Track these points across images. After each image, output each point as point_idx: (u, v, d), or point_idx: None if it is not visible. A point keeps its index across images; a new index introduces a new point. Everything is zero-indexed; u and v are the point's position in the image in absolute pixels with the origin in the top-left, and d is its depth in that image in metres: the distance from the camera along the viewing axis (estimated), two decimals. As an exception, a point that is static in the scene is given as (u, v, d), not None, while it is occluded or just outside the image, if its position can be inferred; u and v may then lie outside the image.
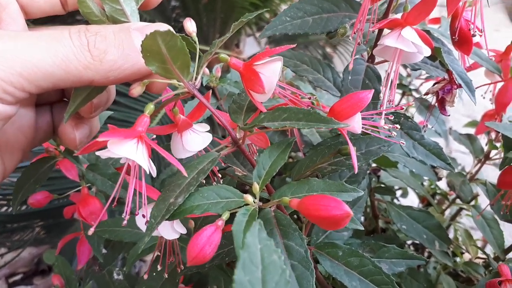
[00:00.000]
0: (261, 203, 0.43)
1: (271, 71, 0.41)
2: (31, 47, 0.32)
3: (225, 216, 0.41)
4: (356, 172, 0.43)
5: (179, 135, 0.46)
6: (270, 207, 0.43)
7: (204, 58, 0.41)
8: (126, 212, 0.38)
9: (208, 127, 0.48)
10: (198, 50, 0.41)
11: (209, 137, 0.47)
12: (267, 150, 0.46)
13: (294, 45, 0.45)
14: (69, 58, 0.33)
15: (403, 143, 0.47)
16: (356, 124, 0.43)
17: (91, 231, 0.41)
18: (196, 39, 0.42)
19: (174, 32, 0.32)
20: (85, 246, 0.73)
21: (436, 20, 0.87)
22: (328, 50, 2.49)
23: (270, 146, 0.47)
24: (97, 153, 0.35)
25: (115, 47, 0.35)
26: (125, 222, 0.38)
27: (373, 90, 0.43)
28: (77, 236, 0.82)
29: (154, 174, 0.37)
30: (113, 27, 0.36)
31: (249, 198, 0.42)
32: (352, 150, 0.43)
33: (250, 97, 0.43)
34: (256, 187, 0.43)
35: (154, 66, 0.34)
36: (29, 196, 0.67)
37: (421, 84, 1.07)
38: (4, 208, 1.44)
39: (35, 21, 0.44)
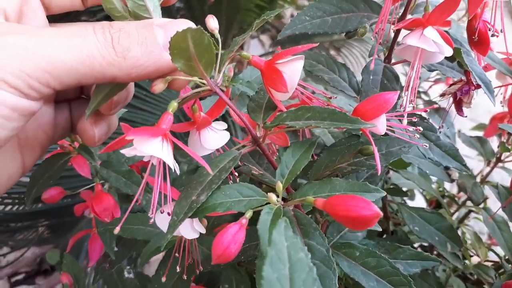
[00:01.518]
0: (283, 202, 0.43)
1: (293, 70, 0.41)
2: (55, 43, 0.32)
3: (248, 214, 0.40)
4: (379, 173, 0.43)
5: (197, 133, 0.46)
6: (289, 207, 0.43)
7: (226, 56, 0.41)
8: (152, 211, 0.38)
9: (225, 125, 0.48)
10: (220, 48, 0.41)
11: (227, 135, 0.46)
12: (290, 149, 0.46)
13: (316, 44, 0.45)
14: (93, 54, 0.33)
15: (426, 146, 0.47)
16: (380, 125, 0.43)
17: (117, 230, 0.41)
18: (218, 36, 0.42)
19: (202, 30, 0.32)
20: (97, 243, 0.73)
21: (446, 23, 0.87)
22: (332, 52, 2.50)
23: (293, 145, 0.47)
24: (123, 151, 0.35)
25: (138, 44, 0.34)
26: (151, 220, 0.38)
27: (398, 92, 0.43)
28: (83, 235, 0.82)
29: (178, 172, 0.36)
30: (136, 24, 0.35)
31: (273, 196, 0.42)
32: (376, 151, 0.43)
33: (270, 95, 0.43)
34: (279, 186, 0.43)
35: (180, 63, 0.34)
36: (43, 192, 0.67)
37: (430, 87, 1.07)
38: (9, 207, 1.44)
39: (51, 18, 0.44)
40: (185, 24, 0.36)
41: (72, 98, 0.46)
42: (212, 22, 0.43)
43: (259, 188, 0.43)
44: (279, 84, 0.41)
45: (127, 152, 0.35)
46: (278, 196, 0.42)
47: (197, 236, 0.46)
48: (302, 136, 0.65)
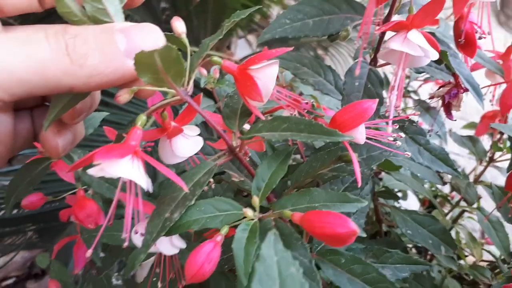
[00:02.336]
0: (261, 215, 0.41)
1: (268, 76, 0.38)
2: (3, 50, 0.30)
3: (224, 231, 0.39)
4: (359, 185, 0.41)
5: (168, 140, 0.44)
6: (270, 218, 0.41)
7: (195, 61, 0.38)
8: (126, 230, 0.37)
9: (198, 130, 0.46)
10: (189, 53, 0.39)
11: (200, 141, 0.45)
12: (266, 161, 0.44)
13: (291, 48, 0.42)
14: (46, 63, 0.30)
15: (408, 154, 0.45)
16: (359, 135, 0.41)
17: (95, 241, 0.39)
18: (186, 41, 0.39)
19: (171, 46, 0.30)
20: (82, 250, 0.72)
21: (434, 22, 0.86)
22: (320, 52, 2.48)
23: (269, 156, 0.45)
24: (89, 172, 0.33)
25: (97, 51, 0.32)
26: (126, 243, 0.36)
27: (377, 100, 0.41)
28: (72, 240, 0.81)
29: (151, 189, 0.34)
30: (94, 28, 0.33)
31: (248, 212, 0.40)
32: (355, 159, 0.41)
33: (245, 102, 0.41)
34: (255, 200, 0.41)
35: (146, 77, 0.32)
36: (23, 199, 0.65)
37: (419, 86, 1.06)
38: (-4, 212, 1.42)
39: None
40: (149, 28, 0.34)
41: (34, 106, 0.43)
42: (179, 26, 0.40)
43: (236, 202, 0.41)
44: (253, 92, 0.38)
45: (94, 173, 0.32)
46: (255, 210, 0.40)
47: (177, 252, 0.45)
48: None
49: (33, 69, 0.30)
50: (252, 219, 0.39)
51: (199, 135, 0.46)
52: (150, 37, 0.33)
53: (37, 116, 0.42)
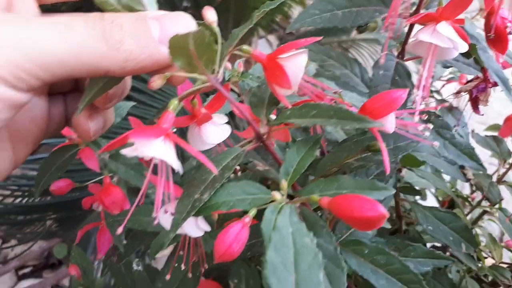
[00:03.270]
0: (288, 200, 0.41)
1: (297, 65, 0.39)
2: (46, 33, 0.31)
3: (252, 213, 0.39)
4: (387, 173, 0.41)
5: (197, 127, 0.45)
6: (295, 204, 0.42)
7: (225, 50, 0.39)
8: (156, 211, 0.38)
9: (226, 119, 0.47)
10: (220, 42, 0.39)
11: (228, 129, 0.45)
12: (295, 146, 0.44)
13: (320, 38, 0.43)
14: (84, 46, 0.31)
15: (436, 144, 0.45)
16: (389, 124, 0.42)
17: (120, 230, 0.40)
18: (217, 29, 0.40)
19: (204, 30, 0.31)
20: (106, 236, 0.73)
21: (460, 21, 0.85)
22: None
23: (297, 142, 0.45)
24: (123, 152, 0.34)
25: (131, 37, 0.33)
26: (156, 222, 0.38)
27: (407, 90, 0.41)
28: (93, 227, 0.82)
29: (181, 171, 0.35)
30: (129, 15, 0.34)
31: (277, 195, 0.40)
32: (383, 148, 0.41)
33: (273, 91, 0.42)
34: (284, 184, 0.42)
35: (180, 61, 0.33)
36: (51, 184, 0.67)
37: (442, 86, 1.05)
38: (18, 200, 1.45)
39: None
40: (182, 17, 0.35)
41: (67, 91, 0.44)
42: (210, 15, 0.40)
43: (263, 186, 0.41)
44: (282, 80, 0.39)
45: (128, 152, 0.33)
46: (283, 195, 0.41)
47: (202, 234, 0.45)
48: (313, 132, 0.64)
49: (73, 52, 0.31)
50: (281, 203, 0.40)
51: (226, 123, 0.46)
52: (183, 25, 0.34)
53: (70, 101, 0.44)
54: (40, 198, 1.37)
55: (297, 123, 0.40)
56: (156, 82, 0.36)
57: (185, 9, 2.16)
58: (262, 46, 2.82)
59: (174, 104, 0.37)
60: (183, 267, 0.51)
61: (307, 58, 0.40)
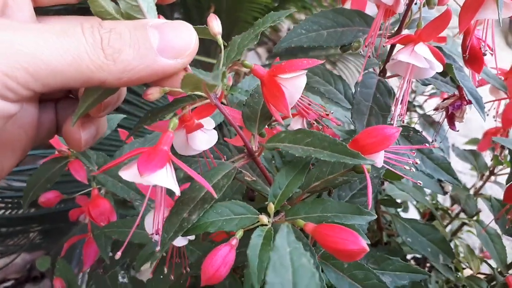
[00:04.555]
0: (274, 219, 0.43)
1: (295, 87, 0.40)
2: (40, 41, 0.29)
3: (239, 235, 0.41)
4: (369, 207, 0.42)
5: (184, 131, 0.44)
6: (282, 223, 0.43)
7: (226, 65, 0.39)
8: (157, 232, 0.39)
9: (214, 124, 0.47)
10: (223, 54, 0.40)
11: (215, 135, 0.46)
12: (284, 169, 0.45)
13: (323, 61, 0.43)
14: (81, 56, 0.30)
15: (417, 162, 0.47)
16: (379, 159, 0.43)
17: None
18: (221, 41, 0.40)
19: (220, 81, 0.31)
20: (92, 248, 0.73)
21: (442, 39, 0.89)
22: (328, 66, 2.53)
23: (287, 165, 0.46)
24: (123, 176, 0.34)
25: (130, 46, 0.32)
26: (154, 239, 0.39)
27: (400, 129, 0.43)
28: (76, 241, 0.82)
29: (179, 193, 0.35)
30: (128, 24, 0.33)
31: (264, 218, 0.42)
32: (369, 182, 0.42)
33: (269, 108, 0.43)
34: (271, 207, 0.43)
35: (188, 89, 0.34)
36: (40, 195, 0.67)
37: (425, 101, 1.09)
38: (1, 212, 1.43)
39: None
40: (183, 26, 0.34)
41: (59, 98, 0.42)
42: (216, 25, 0.40)
43: (250, 206, 0.42)
44: (280, 104, 0.39)
45: (129, 178, 0.33)
46: (269, 216, 0.42)
47: (186, 243, 0.46)
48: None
49: (68, 61, 0.30)
50: (266, 225, 0.41)
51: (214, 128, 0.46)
52: (184, 34, 0.34)
53: (61, 108, 0.42)
54: (23, 210, 1.36)
55: (291, 150, 0.40)
56: (154, 95, 0.35)
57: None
58: (252, 58, 2.85)
59: (174, 123, 0.37)
60: (172, 278, 0.52)
61: (306, 80, 0.40)
